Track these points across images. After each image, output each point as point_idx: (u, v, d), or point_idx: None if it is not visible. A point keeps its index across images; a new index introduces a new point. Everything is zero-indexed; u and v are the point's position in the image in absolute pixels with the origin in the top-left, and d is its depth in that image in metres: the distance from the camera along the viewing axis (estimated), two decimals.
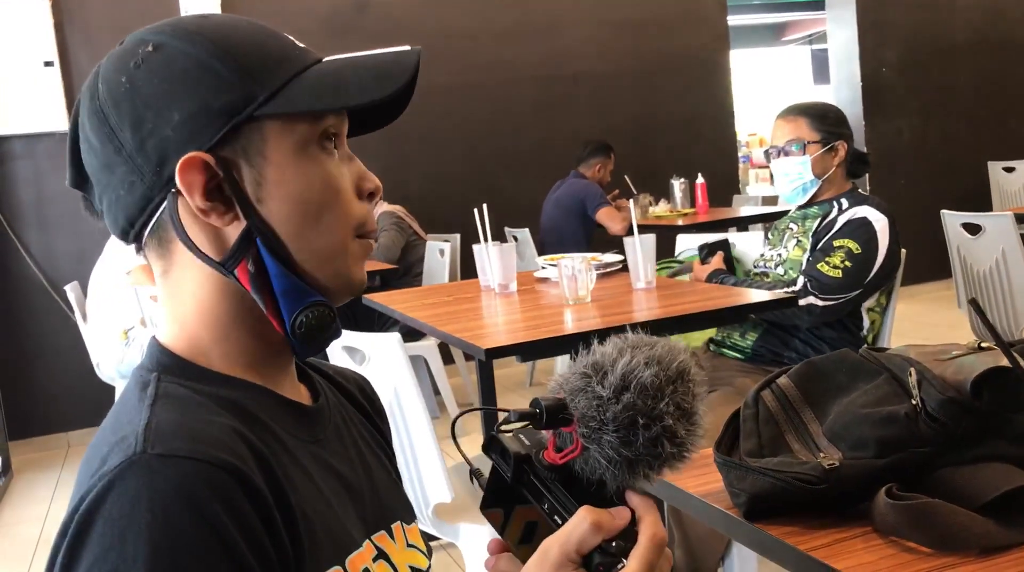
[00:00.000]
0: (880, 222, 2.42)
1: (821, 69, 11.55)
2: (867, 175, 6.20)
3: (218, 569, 0.62)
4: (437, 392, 4.17)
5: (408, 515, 0.90)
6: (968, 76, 6.45)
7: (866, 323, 2.49)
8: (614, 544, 0.64)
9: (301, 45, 0.79)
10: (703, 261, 2.81)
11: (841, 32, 6.36)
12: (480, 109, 5.33)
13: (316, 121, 0.75)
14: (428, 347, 4.05)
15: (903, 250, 2.52)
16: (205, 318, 0.77)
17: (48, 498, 3.91)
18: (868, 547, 0.92)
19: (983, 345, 1.03)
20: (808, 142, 2.54)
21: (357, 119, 0.83)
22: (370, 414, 0.96)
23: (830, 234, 2.45)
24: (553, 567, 0.65)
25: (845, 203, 2.51)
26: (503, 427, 0.71)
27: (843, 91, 6.38)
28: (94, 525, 0.62)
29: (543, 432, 0.70)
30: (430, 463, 2.05)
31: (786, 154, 2.56)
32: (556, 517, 0.68)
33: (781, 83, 9.29)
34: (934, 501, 0.91)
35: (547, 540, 0.66)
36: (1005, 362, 0.96)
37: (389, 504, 0.87)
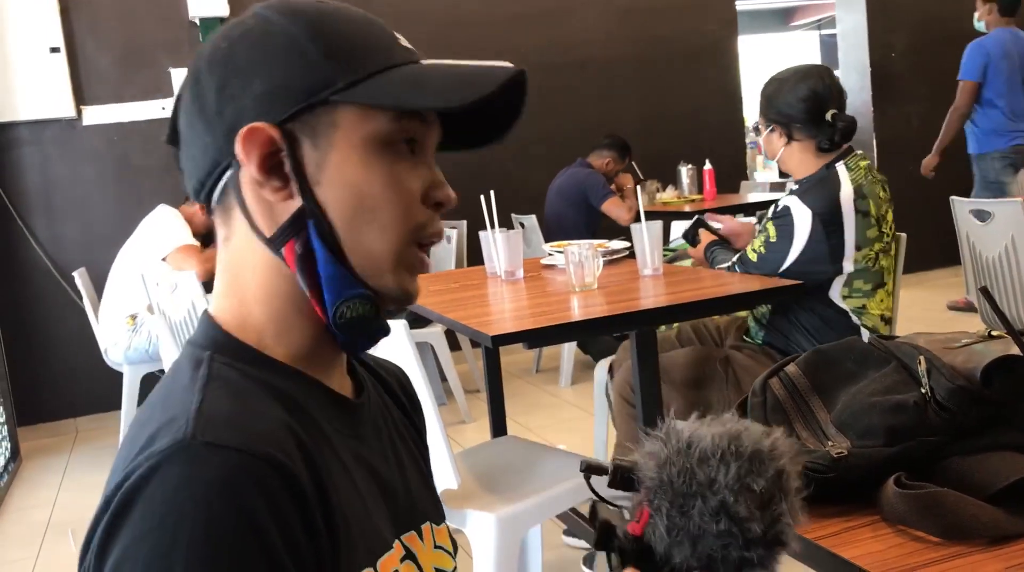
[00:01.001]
0: (801, 215, 2.32)
1: (830, 54, 11.48)
2: (875, 159, 6.18)
3: (252, 565, 0.62)
4: (444, 379, 4.18)
5: (438, 516, 0.90)
6: None
7: (847, 308, 2.40)
8: None
9: (405, 44, 0.79)
10: (692, 245, 2.79)
11: (850, 17, 6.31)
12: None
13: (394, 120, 0.74)
14: (434, 334, 4.05)
15: (903, 235, 2.50)
16: (261, 294, 0.76)
17: (57, 484, 3.93)
18: (876, 536, 0.91)
19: (993, 333, 1.03)
20: (758, 125, 2.55)
21: (458, 134, 0.83)
22: (407, 409, 0.95)
23: (767, 217, 2.45)
24: None
25: (794, 187, 2.46)
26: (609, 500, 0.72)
27: (852, 77, 6.35)
28: (135, 505, 0.62)
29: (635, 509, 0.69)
30: (437, 449, 2.05)
31: (758, 131, 2.58)
32: None
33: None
34: (943, 490, 0.90)
35: None
36: (1015, 350, 0.96)
37: (421, 504, 0.87)
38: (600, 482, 0.70)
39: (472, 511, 2.05)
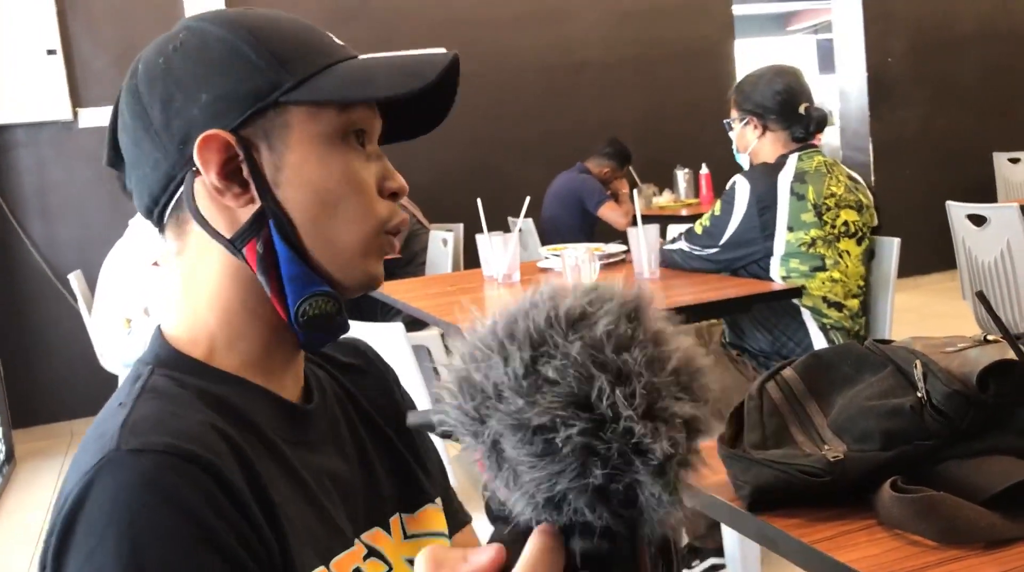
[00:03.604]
0: (742, 188, 2.48)
1: (826, 59, 11.49)
2: (872, 163, 6.19)
3: (200, 553, 0.62)
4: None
5: (412, 502, 0.89)
6: (974, 67, 6.41)
7: (809, 326, 2.49)
8: None
9: (340, 43, 0.80)
10: None
11: (847, 22, 6.32)
12: (484, 98, 5.32)
13: (342, 113, 0.75)
14: (431, 337, 4.04)
15: (895, 240, 2.53)
16: (214, 302, 0.77)
17: (52, 486, 3.92)
18: (872, 539, 0.91)
19: (989, 338, 1.03)
20: (731, 119, 2.66)
21: (397, 124, 0.83)
22: (371, 381, 0.93)
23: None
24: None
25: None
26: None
27: (849, 81, 6.36)
28: (77, 526, 0.63)
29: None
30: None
31: (728, 130, 2.70)
32: None
33: None
34: (940, 494, 0.90)
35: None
36: (1011, 355, 0.96)
37: (387, 498, 0.86)
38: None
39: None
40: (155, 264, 3.89)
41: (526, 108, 5.49)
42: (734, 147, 2.71)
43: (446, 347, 4.20)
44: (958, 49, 6.37)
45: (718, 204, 2.54)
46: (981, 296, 0.89)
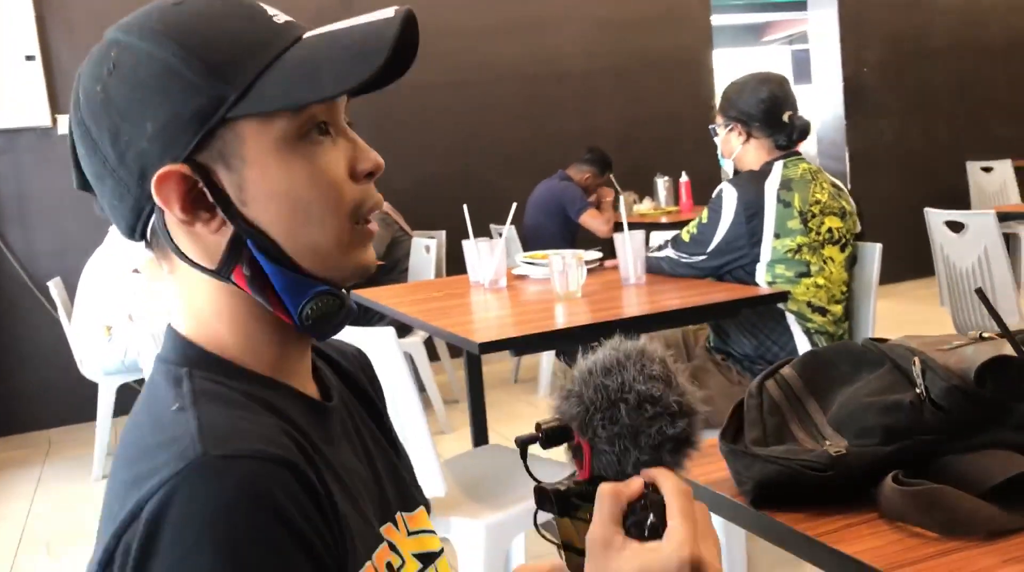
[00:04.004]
0: (729, 195, 2.51)
1: (801, 69, 11.62)
2: (848, 172, 6.26)
3: (296, 562, 0.62)
4: (422, 389, 4.17)
5: (408, 502, 0.90)
6: (947, 77, 6.52)
7: (794, 330, 2.53)
8: (637, 506, 0.68)
9: (280, 21, 0.75)
10: None
11: (823, 33, 6.41)
12: (465, 107, 5.33)
13: (296, 113, 0.72)
14: (414, 344, 4.05)
15: (877, 245, 2.57)
16: (221, 315, 0.76)
17: (29, 495, 3.87)
18: (875, 532, 0.93)
19: (984, 335, 1.05)
20: (716, 125, 2.70)
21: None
22: (371, 397, 0.95)
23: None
24: (603, 548, 0.66)
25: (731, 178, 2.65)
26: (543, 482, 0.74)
27: (825, 91, 6.44)
28: (162, 534, 0.60)
29: (574, 463, 0.74)
30: (423, 458, 2.05)
31: (713, 137, 2.74)
32: None
33: None
34: (940, 487, 0.92)
35: (588, 532, 0.68)
36: (1007, 351, 0.98)
37: (391, 495, 0.87)
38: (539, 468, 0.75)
39: (457, 518, 2.05)
40: (136, 271, 3.87)
41: (508, 117, 5.51)
42: (719, 152, 2.74)
43: (429, 354, 4.21)
44: (931, 60, 6.47)
45: (705, 212, 2.57)
46: (980, 293, 0.91)
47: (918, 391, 0.99)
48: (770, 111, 2.59)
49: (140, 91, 0.71)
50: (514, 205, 2.81)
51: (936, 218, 3.41)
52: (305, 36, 0.74)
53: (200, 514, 0.60)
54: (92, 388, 4.01)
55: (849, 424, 1.02)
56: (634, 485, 0.69)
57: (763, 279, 2.52)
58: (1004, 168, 5.99)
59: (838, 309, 2.56)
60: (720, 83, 6.62)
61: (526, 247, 4.59)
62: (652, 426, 0.69)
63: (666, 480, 0.68)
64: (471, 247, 2.82)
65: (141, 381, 3.89)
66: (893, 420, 0.98)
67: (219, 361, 0.75)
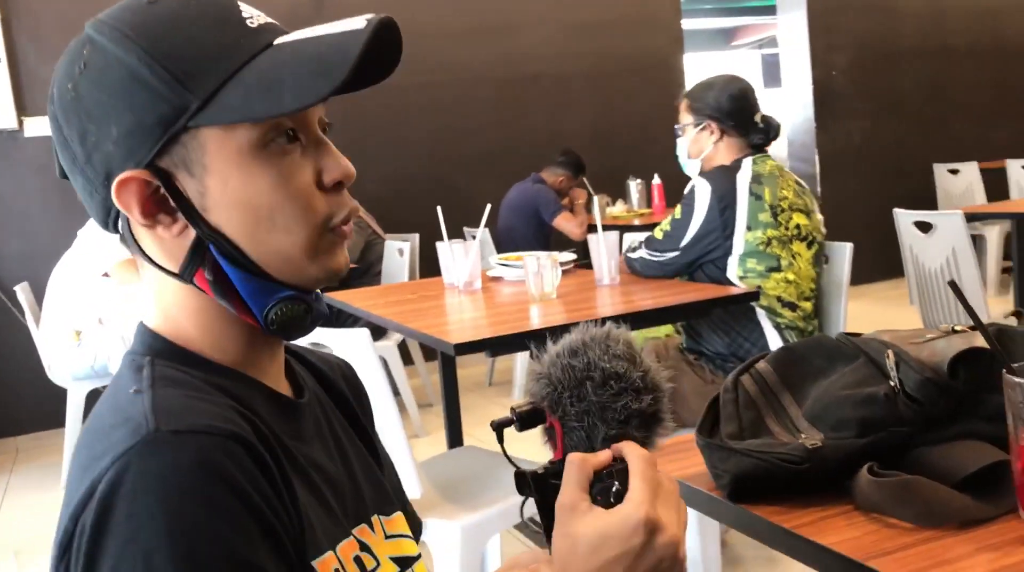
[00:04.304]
0: (702, 188, 2.54)
1: (770, 73, 11.72)
2: (818, 174, 6.32)
3: (250, 532, 0.63)
4: (396, 393, 4.15)
5: (388, 506, 0.90)
6: (914, 81, 6.60)
7: (744, 288, 2.54)
8: (604, 474, 0.71)
9: (254, 25, 0.75)
10: None
11: (792, 37, 6.47)
12: (438, 110, 5.33)
13: (258, 123, 0.71)
14: (387, 347, 4.03)
15: (848, 245, 2.60)
16: (188, 312, 0.77)
17: None
18: (851, 523, 0.94)
19: (956, 328, 1.06)
20: (683, 125, 2.71)
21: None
22: (351, 404, 0.95)
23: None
24: (568, 512, 0.69)
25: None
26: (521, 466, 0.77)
27: (795, 94, 6.50)
28: (115, 508, 0.61)
29: (548, 445, 0.77)
30: (399, 459, 2.04)
31: (678, 136, 2.75)
32: None
33: None
34: (915, 478, 0.93)
35: (557, 498, 0.70)
36: (978, 344, 0.99)
37: (368, 498, 0.87)
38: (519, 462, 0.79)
39: (435, 520, 2.05)
40: (105, 275, 3.83)
41: (480, 120, 5.52)
42: (682, 153, 2.73)
43: (402, 358, 4.19)
44: (899, 64, 6.56)
45: (679, 208, 2.59)
46: (953, 285, 0.93)
47: (892, 384, 1.00)
48: (743, 110, 2.62)
49: (107, 94, 0.71)
50: (488, 206, 2.81)
51: (905, 219, 3.45)
52: (276, 42, 0.74)
53: (153, 487, 0.61)
54: (61, 394, 3.96)
55: (824, 417, 1.03)
56: (602, 455, 0.72)
57: (735, 274, 2.54)
58: (970, 170, 6.07)
59: (808, 306, 2.59)
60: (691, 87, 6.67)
61: (500, 250, 4.60)
62: (618, 401, 0.73)
63: (631, 449, 0.71)
64: (445, 249, 2.81)
65: None
66: (868, 413, 0.99)
67: (183, 352, 0.76)
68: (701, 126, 2.65)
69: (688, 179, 2.67)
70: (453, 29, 5.40)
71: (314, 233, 0.75)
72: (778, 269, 2.53)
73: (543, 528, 0.73)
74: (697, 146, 2.68)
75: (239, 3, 0.76)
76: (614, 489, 0.69)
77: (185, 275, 0.74)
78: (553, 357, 0.75)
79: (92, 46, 0.73)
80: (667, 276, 2.65)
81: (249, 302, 0.74)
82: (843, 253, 2.61)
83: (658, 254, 2.63)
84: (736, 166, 2.58)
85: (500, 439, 0.77)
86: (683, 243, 2.56)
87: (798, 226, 2.55)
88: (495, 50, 5.53)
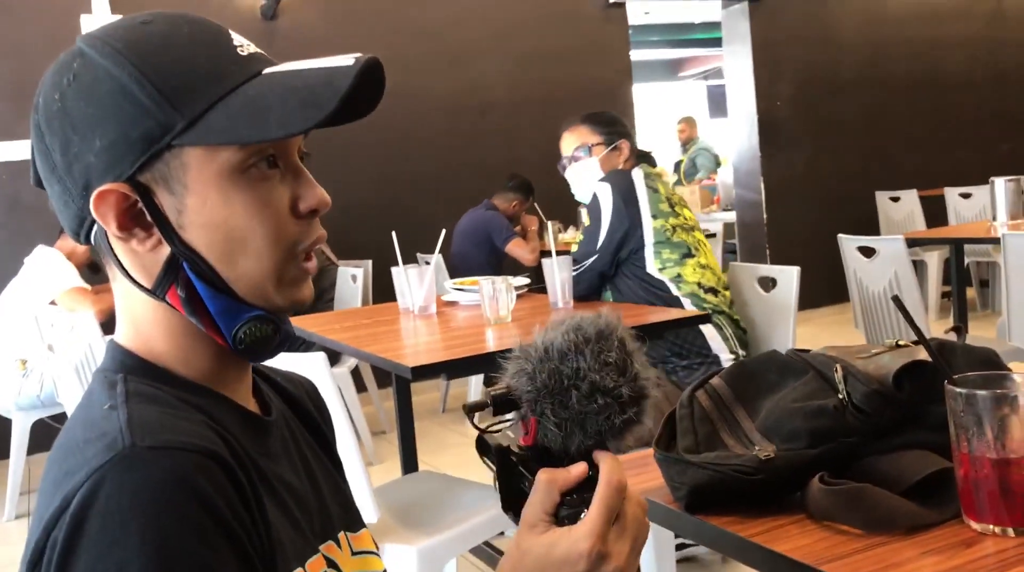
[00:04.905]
0: (604, 193, 2.73)
1: (716, 103, 11.95)
2: (764, 202, 6.45)
3: (222, 549, 0.63)
4: (350, 419, 4.12)
5: (354, 524, 0.91)
6: (855, 111, 6.79)
7: (665, 279, 2.71)
8: (574, 496, 0.70)
9: (245, 53, 0.76)
10: None
11: (737, 68, 6.63)
12: (391, 137, 5.35)
13: (242, 146, 0.73)
14: (341, 373, 4.02)
15: (795, 269, 2.66)
16: (159, 326, 0.77)
17: None
18: (804, 531, 0.97)
19: (900, 343, 1.11)
20: (592, 145, 2.87)
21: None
22: (317, 422, 0.96)
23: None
24: (528, 528, 0.70)
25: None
26: (489, 429, 0.75)
27: (740, 124, 6.64)
28: (88, 523, 0.61)
29: (520, 425, 0.75)
30: (356, 483, 2.04)
31: (575, 160, 2.90)
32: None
33: (679, 116, 9.62)
34: (864, 485, 0.97)
35: (523, 509, 0.71)
36: (921, 357, 1.03)
37: (335, 514, 0.88)
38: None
39: (391, 544, 2.04)
40: (52, 303, 3.77)
41: (433, 147, 5.55)
42: (591, 173, 2.85)
43: (356, 384, 4.17)
44: (840, 95, 6.74)
45: (585, 218, 2.77)
46: (897, 300, 0.97)
47: (840, 396, 1.03)
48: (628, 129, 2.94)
49: (94, 107, 0.72)
50: (443, 232, 2.83)
51: (849, 244, 3.54)
52: (265, 72, 0.75)
53: (126, 503, 0.61)
54: (6, 425, 3.87)
55: (777, 429, 1.06)
56: (574, 472, 0.72)
57: (654, 267, 2.68)
58: (910, 198, 6.25)
59: (728, 294, 2.74)
60: (640, 116, 6.78)
61: (453, 275, 4.61)
62: (600, 414, 0.71)
63: (605, 470, 0.71)
64: (400, 273, 2.82)
65: (57, 416, 3.77)
66: (818, 424, 1.02)
67: (155, 368, 0.77)
68: (614, 146, 2.85)
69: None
70: (406, 59, 5.44)
71: (281, 260, 0.76)
72: (691, 254, 2.70)
73: (500, 494, 0.75)
74: (610, 164, 2.86)
75: (230, 32, 0.78)
76: (582, 516, 0.69)
77: (158, 291, 0.75)
78: (541, 353, 0.71)
79: (83, 59, 0.74)
80: (597, 286, 2.77)
81: (219, 321, 0.75)
82: (791, 277, 2.68)
83: (580, 266, 2.74)
84: (629, 168, 2.80)
85: (471, 419, 0.76)
86: (599, 245, 2.71)
87: (688, 218, 2.76)
88: (448, 79, 5.58)
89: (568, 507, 0.70)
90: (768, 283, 2.75)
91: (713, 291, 2.70)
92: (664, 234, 2.69)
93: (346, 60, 0.73)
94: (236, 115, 0.71)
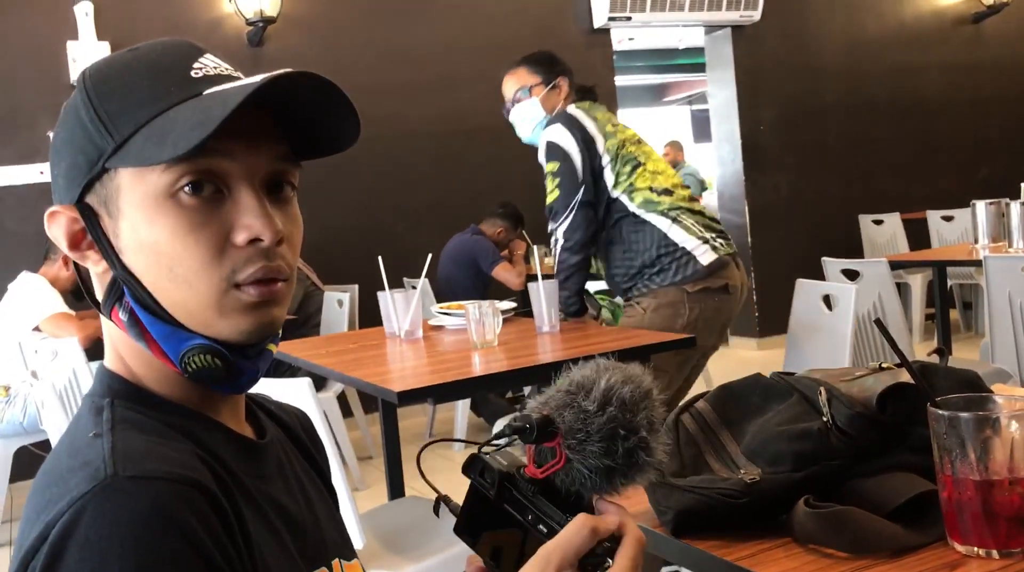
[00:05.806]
0: (557, 132, 2.79)
1: (700, 128, 12.05)
2: (748, 226, 6.49)
3: None
4: (336, 444, 4.11)
5: (348, 552, 0.91)
6: (838, 135, 6.85)
7: (619, 194, 2.79)
8: (600, 546, 0.70)
9: (197, 75, 0.74)
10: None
11: (721, 93, 6.68)
12: (377, 163, 5.36)
13: (168, 170, 0.71)
14: (327, 399, 4.00)
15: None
16: (134, 349, 0.77)
17: None
18: (789, 555, 0.97)
19: (883, 366, 1.12)
20: (532, 86, 2.94)
21: (314, 138, 0.80)
22: (311, 451, 0.96)
23: (543, 163, 2.87)
24: (554, 566, 0.68)
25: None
26: (483, 450, 0.75)
27: (724, 148, 6.69)
28: (67, 552, 0.60)
29: (518, 452, 0.75)
30: (342, 509, 2.03)
31: (518, 102, 2.98)
32: (541, 526, 0.72)
33: (663, 141, 9.68)
34: (850, 508, 0.97)
35: (545, 546, 0.69)
36: (904, 379, 1.04)
37: (329, 540, 0.88)
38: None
39: (378, 571, 2.03)
40: (36, 329, 3.75)
41: (419, 172, 5.56)
42: (533, 114, 2.92)
43: (342, 409, 4.16)
44: (824, 119, 6.80)
45: (552, 164, 2.79)
46: (879, 323, 0.98)
47: (825, 419, 1.04)
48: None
49: (65, 132, 0.77)
50: (429, 257, 2.84)
51: (833, 266, 3.57)
52: (205, 92, 0.73)
53: (107, 534, 0.60)
54: None
55: (762, 453, 1.06)
56: (611, 525, 0.71)
57: (611, 184, 2.76)
58: (893, 221, 6.30)
59: (685, 192, 2.82)
60: None
61: (439, 299, 4.61)
62: (632, 469, 0.72)
63: (631, 527, 0.72)
64: (386, 298, 2.82)
65: (40, 443, 3.74)
66: (802, 447, 1.03)
67: (142, 392, 0.77)
68: (553, 85, 2.91)
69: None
70: (393, 85, 5.46)
71: (215, 290, 0.73)
72: (640, 165, 2.77)
73: (460, 514, 0.76)
74: (551, 103, 2.92)
75: (204, 55, 0.78)
76: (606, 566, 0.69)
77: (105, 310, 0.77)
78: (600, 399, 0.72)
79: (77, 86, 0.78)
80: (592, 219, 2.80)
81: (163, 346, 0.75)
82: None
83: (566, 218, 2.80)
84: (565, 109, 2.89)
85: (479, 450, 0.76)
86: (581, 179, 2.75)
87: (631, 135, 2.85)
88: (434, 105, 5.61)
89: (593, 556, 0.69)
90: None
91: (667, 192, 2.78)
92: (616, 152, 2.77)
93: (256, 78, 0.71)
94: (149, 137, 0.71)
